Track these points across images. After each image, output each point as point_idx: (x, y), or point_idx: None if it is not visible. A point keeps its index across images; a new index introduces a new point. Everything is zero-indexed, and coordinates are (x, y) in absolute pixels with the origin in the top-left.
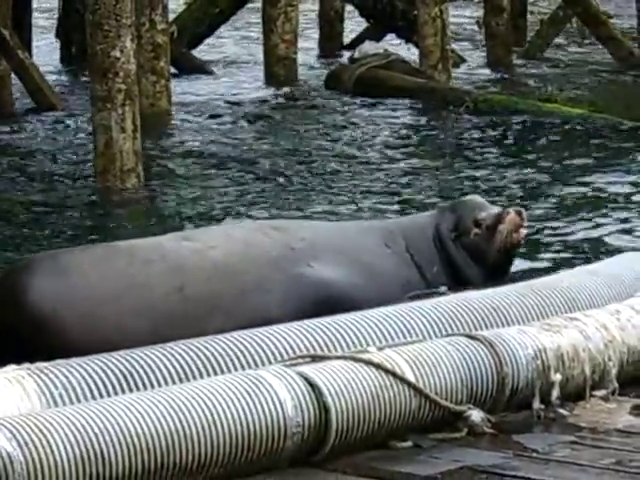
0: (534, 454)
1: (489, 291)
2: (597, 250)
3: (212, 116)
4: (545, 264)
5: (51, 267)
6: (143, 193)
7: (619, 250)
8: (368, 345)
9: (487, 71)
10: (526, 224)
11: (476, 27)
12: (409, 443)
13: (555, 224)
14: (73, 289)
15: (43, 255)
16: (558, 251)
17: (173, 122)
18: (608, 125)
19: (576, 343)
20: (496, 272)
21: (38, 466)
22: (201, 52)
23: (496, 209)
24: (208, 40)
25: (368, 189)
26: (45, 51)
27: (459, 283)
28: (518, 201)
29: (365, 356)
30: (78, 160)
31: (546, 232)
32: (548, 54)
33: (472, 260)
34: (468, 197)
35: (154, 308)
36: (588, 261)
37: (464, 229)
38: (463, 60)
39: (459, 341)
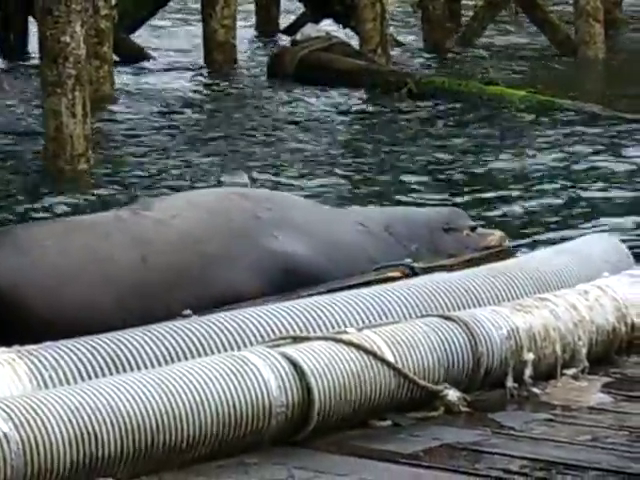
0: (511, 431)
1: (460, 273)
2: (534, 227)
3: (153, 102)
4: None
5: (9, 242)
6: (93, 177)
7: (560, 226)
8: (347, 326)
9: (424, 55)
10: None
11: (411, 10)
12: (388, 422)
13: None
14: (34, 265)
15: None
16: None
17: (116, 107)
18: (550, 107)
19: (547, 323)
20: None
21: (34, 446)
22: (139, 37)
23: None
24: (146, 25)
25: (309, 170)
26: None
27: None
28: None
29: (345, 337)
30: (26, 145)
31: (492, 213)
32: (484, 38)
33: (456, 252)
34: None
35: (117, 281)
36: (540, 237)
37: (458, 226)
38: (401, 44)
39: (435, 322)
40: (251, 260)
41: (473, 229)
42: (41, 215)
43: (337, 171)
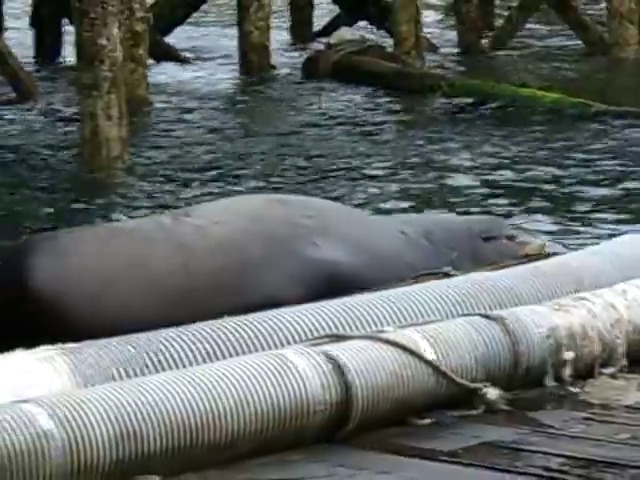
0: (550, 430)
1: (500, 272)
2: (578, 231)
3: (189, 104)
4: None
5: (52, 248)
6: (129, 179)
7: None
8: (386, 325)
9: (458, 57)
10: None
11: (444, 13)
12: (428, 420)
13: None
14: (75, 270)
15: (42, 236)
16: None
17: (151, 109)
18: (582, 109)
19: (586, 322)
20: None
21: (77, 444)
22: (174, 39)
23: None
24: (181, 27)
25: (344, 173)
26: (17, 40)
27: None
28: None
29: (385, 335)
30: (62, 148)
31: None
32: (517, 40)
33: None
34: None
35: (158, 287)
36: (579, 240)
37: (497, 235)
38: (434, 46)
39: (475, 320)
40: (292, 268)
41: (512, 238)
42: (79, 218)
43: (375, 173)
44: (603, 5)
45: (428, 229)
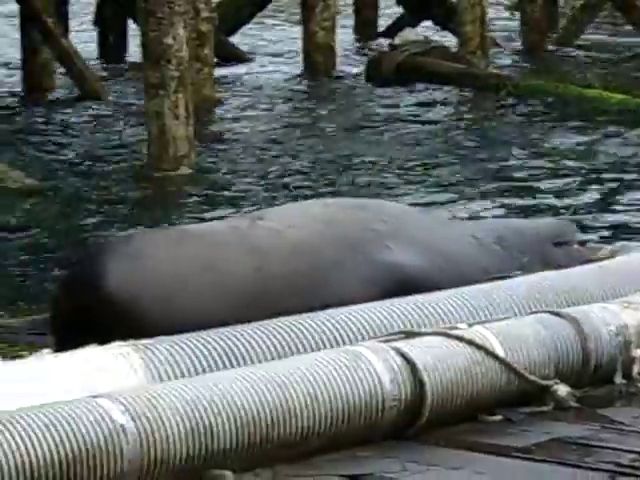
0: (620, 426)
1: (567, 271)
2: None
3: (253, 104)
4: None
5: (127, 250)
6: (197, 179)
7: None
8: (458, 322)
9: (523, 57)
10: None
11: (508, 14)
12: (499, 417)
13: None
14: (151, 272)
15: (117, 238)
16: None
17: (218, 110)
18: None
19: None
20: None
21: (150, 438)
22: (239, 40)
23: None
24: (246, 27)
25: (420, 178)
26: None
27: None
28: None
29: (456, 332)
30: (129, 147)
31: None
32: (582, 40)
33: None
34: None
35: (231, 289)
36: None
37: (568, 240)
38: (499, 46)
39: (545, 318)
40: (365, 272)
41: (583, 243)
42: (147, 217)
43: (442, 174)
44: None
45: (499, 234)
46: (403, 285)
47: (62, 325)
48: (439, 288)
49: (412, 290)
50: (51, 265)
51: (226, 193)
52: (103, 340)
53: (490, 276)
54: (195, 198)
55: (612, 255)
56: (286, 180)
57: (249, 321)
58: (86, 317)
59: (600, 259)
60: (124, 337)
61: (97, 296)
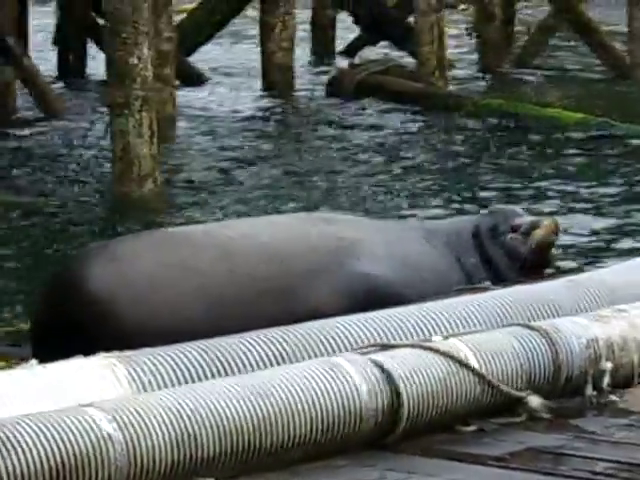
0: (592, 436)
1: (539, 285)
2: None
3: (214, 123)
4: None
5: (107, 255)
6: (160, 197)
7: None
8: (433, 334)
9: (480, 77)
10: (559, 234)
11: (465, 33)
12: (473, 427)
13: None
14: (129, 275)
15: (97, 244)
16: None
17: (178, 129)
18: (608, 130)
19: (625, 333)
20: (529, 272)
21: (137, 447)
22: (197, 60)
23: (531, 218)
24: (204, 48)
25: (373, 193)
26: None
27: (496, 279)
28: (527, 204)
29: (432, 344)
30: (92, 165)
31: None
32: (539, 61)
33: (507, 259)
34: (506, 206)
35: (206, 291)
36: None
37: (501, 231)
38: (455, 66)
39: (517, 331)
40: (335, 280)
41: (516, 229)
42: (111, 237)
43: (401, 190)
44: (624, 27)
45: (447, 236)
46: (372, 294)
47: (44, 332)
48: (405, 296)
49: (381, 299)
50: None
51: (189, 211)
52: (87, 351)
53: (459, 287)
54: (158, 216)
55: (549, 234)
56: (249, 196)
57: (224, 322)
58: (68, 320)
59: (541, 244)
60: (106, 341)
61: (78, 299)
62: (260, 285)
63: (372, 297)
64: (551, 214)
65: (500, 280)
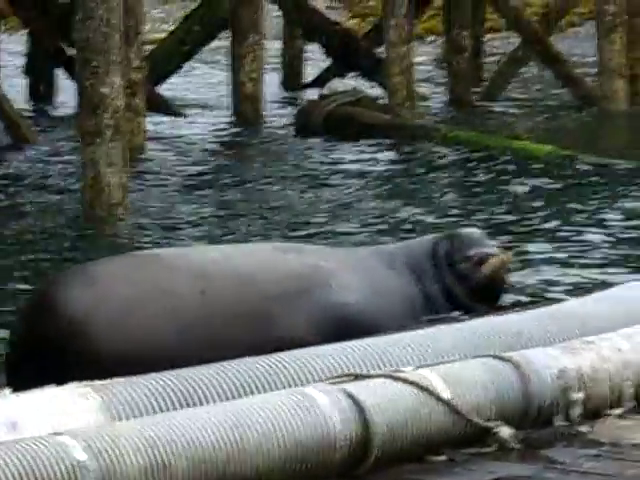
0: (562, 466)
1: (510, 316)
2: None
3: (183, 153)
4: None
5: (82, 278)
6: (130, 225)
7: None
8: (404, 365)
9: (449, 109)
10: (510, 266)
11: (433, 66)
12: (444, 457)
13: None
14: (103, 297)
15: (73, 268)
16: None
17: (146, 158)
18: (576, 162)
19: (595, 364)
20: (482, 301)
21: (111, 475)
22: (166, 90)
23: (489, 246)
24: (174, 78)
25: (342, 227)
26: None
27: (453, 307)
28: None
29: (403, 375)
30: (62, 193)
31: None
32: (507, 93)
33: (461, 287)
34: (466, 230)
35: (178, 312)
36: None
37: (455, 260)
38: (424, 98)
39: (488, 362)
40: (308, 308)
41: (467, 259)
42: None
43: (370, 220)
44: (593, 59)
45: (407, 262)
46: (345, 322)
47: (20, 356)
48: (378, 323)
49: (354, 326)
50: None
51: (157, 240)
52: (62, 375)
53: (429, 317)
54: (127, 245)
55: (501, 264)
56: (218, 229)
57: (197, 343)
58: (44, 342)
59: (492, 275)
60: (81, 363)
61: (54, 320)
62: (233, 309)
63: (345, 325)
64: (512, 244)
65: (455, 306)
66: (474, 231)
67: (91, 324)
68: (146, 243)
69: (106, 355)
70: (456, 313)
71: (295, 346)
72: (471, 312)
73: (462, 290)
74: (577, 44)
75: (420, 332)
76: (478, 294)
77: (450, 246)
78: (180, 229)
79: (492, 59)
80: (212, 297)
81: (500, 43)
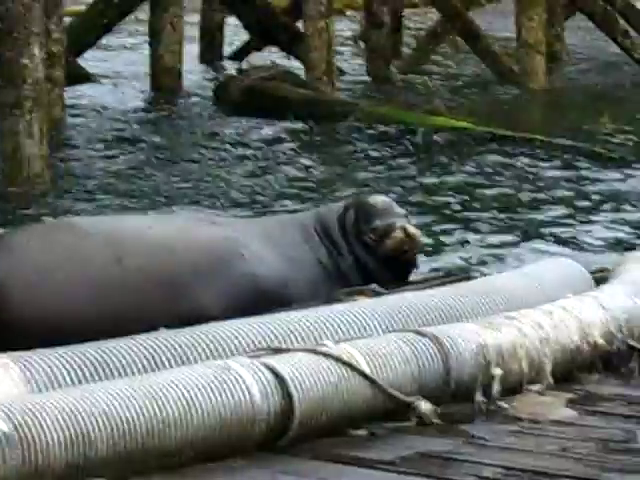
0: (481, 441)
1: (429, 291)
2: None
3: (102, 124)
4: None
5: None
6: (50, 196)
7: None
8: (324, 339)
9: (368, 84)
10: (418, 239)
11: (352, 40)
12: (364, 431)
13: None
14: (17, 263)
15: None
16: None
17: (66, 130)
18: (488, 136)
19: (514, 340)
20: (393, 274)
21: (32, 446)
22: (86, 61)
23: (396, 214)
24: (93, 50)
25: (253, 198)
26: None
27: (366, 277)
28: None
29: (324, 349)
30: None
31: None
32: (426, 67)
33: (371, 259)
34: (373, 197)
35: (93, 278)
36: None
37: (362, 231)
38: (343, 73)
39: (408, 337)
40: (220, 274)
41: (372, 230)
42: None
43: (268, 192)
44: (512, 34)
45: (319, 231)
46: (260, 293)
47: None
48: (292, 295)
49: (269, 298)
50: None
51: (77, 210)
52: None
53: (346, 290)
54: (47, 215)
55: (402, 241)
56: (138, 196)
57: (111, 310)
58: None
59: (397, 249)
60: None
61: None
62: (147, 274)
63: (258, 295)
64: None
65: (368, 277)
66: (381, 199)
67: (4, 292)
68: (67, 213)
69: (19, 323)
70: (374, 286)
71: (209, 318)
72: (384, 284)
73: (372, 261)
74: (496, 19)
75: (338, 306)
76: (386, 267)
77: (356, 215)
78: (99, 200)
79: (411, 34)
80: (126, 263)
81: (419, 18)
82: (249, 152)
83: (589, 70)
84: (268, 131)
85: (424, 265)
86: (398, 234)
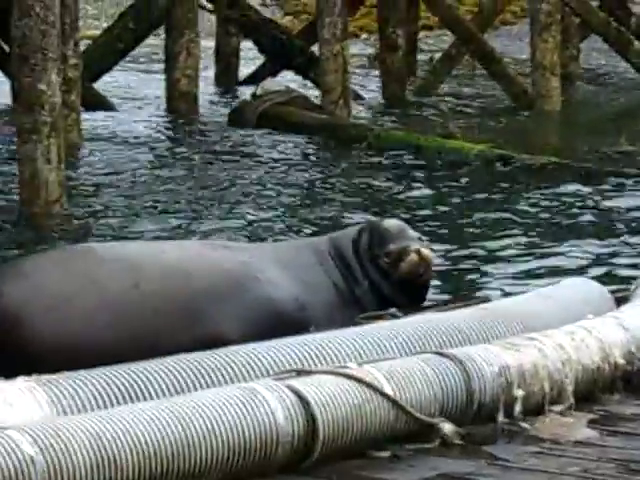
0: (503, 462)
1: (450, 314)
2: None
3: (119, 149)
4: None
5: (13, 273)
6: (67, 222)
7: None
8: (348, 361)
9: (383, 107)
10: (432, 262)
11: (367, 63)
12: (387, 453)
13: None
14: (35, 289)
15: (6, 264)
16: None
17: (84, 155)
18: (507, 161)
19: (536, 361)
20: (408, 297)
21: (58, 470)
22: (102, 86)
23: (410, 238)
24: (108, 75)
25: (269, 225)
26: None
27: (381, 302)
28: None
29: (347, 371)
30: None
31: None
32: (441, 91)
33: (387, 283)
34: (387, 221)
35: (111, 303)
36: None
37: (376, 255)
38: (360, 97)
39: (431, 358)
40: (240, 303)
41: (386, 254)
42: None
43: (294, 222)
44: (527, 57)
45: (333, 256)
46: (277, 318)
47: None
48: (309, 319)
49: (286, 322)
50: None
51: (96, 234)
52: (6, 375)
53: (365, 315)
54: (65, 241)
55: (418, 265)
56: (156, 220)
57: (130, 334)
58: None
59: (410, 273)
60: (16, 356)
61: None
62: (164, 299)
63: (277, 320)
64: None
65: (383, 301)
66: (395, 223)
67: (23, 318)
68: (84, 239)
69: (38, 349)
70: (393, 310)
71: (226, 342)
72: (401, 307)
73: (387, 285)
74: (510, 42)
75: (359, 329)
76: (402, 290)
77: (370, 239)
78: (116, 225)
79: (426, 57)
80: (143, 289)
81: (434, 41)
82: (258, 177)
83: (604, 91)
84: (279, 155)
85: (441, 288)
86: (413, 257)
